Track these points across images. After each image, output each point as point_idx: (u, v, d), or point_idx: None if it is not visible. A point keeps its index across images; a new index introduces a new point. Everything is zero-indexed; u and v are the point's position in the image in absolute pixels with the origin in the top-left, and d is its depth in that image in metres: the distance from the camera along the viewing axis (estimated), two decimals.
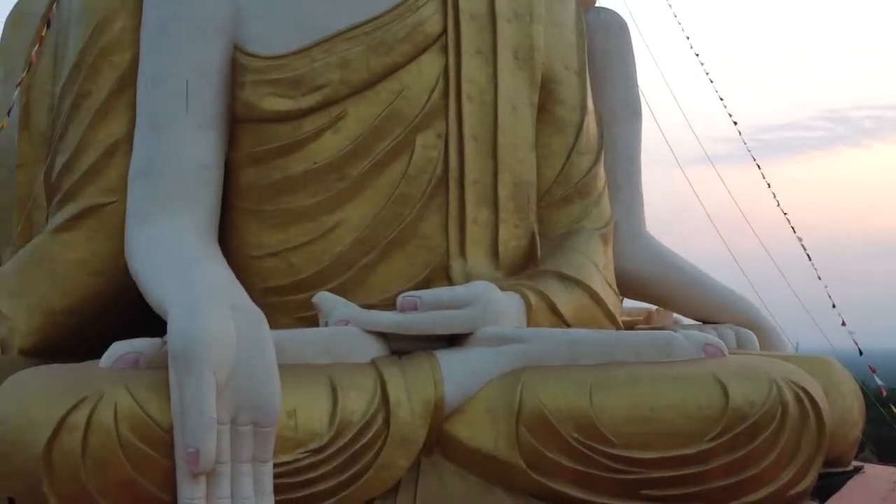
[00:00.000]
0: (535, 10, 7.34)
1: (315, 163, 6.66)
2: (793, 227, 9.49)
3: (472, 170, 6.90)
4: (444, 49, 6.92)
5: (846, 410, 6.42)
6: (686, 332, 6.18)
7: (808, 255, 9.51)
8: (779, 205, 9.51)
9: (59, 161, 6.91)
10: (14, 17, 8.07)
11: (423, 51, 6.89)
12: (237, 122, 6.81)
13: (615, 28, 8.76)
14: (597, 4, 9.37)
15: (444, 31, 6.94)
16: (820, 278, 9.55)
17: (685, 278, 8.81)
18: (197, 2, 6.76)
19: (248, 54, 6.73)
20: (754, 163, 9.67)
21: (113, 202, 6.74)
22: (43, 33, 7.21)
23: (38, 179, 7.22)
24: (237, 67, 6.75)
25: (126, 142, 6.78)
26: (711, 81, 9.58)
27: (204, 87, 6.67)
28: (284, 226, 6.70)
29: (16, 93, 7.22)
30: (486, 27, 7.06)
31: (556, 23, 7.56)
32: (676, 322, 9.56)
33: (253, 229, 6.79)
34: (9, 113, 7.11)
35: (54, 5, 7.13)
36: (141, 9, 6.90)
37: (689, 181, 9.27)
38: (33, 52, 7.21)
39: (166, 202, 6.46)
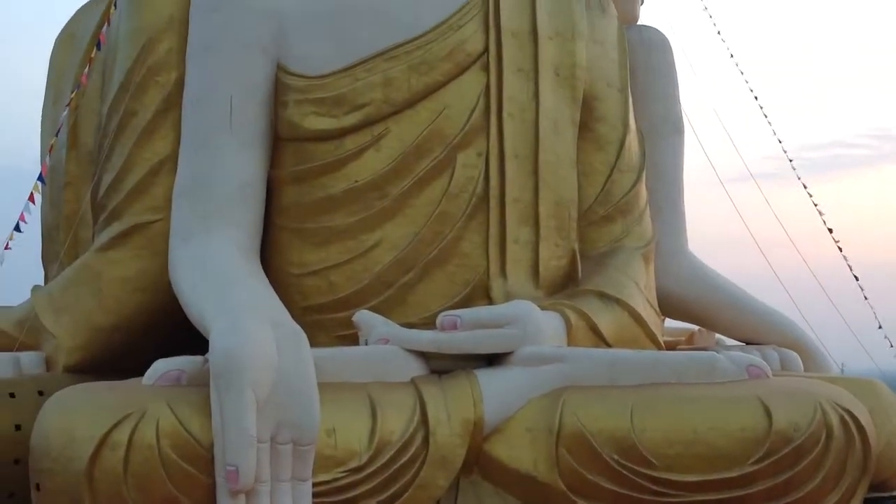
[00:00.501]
0: (577, 27, 7.32)
1: (356, 181, 6.70)
2: (839, 247, 9.35)
3: (513, 188, 6.89)
4: (486, 67, 6.94)
5: (892, 434, 6.31)
6: (729, 354, 6.11)
7: (854, 276, 9.37)
8: (825, 223, 9.39)
9: (106, 180, 7.02)
10: (63, 40, 8.21)
11: (465, 69, 6.91)
12: (280, 140, 6.87)
13: (657, 45, 8.72)
14: (639, 22, 9.32)
15: (486, 49, 6.96)
16: (866, 298, 9.40)
17: (728, 298, 8.72)
18: (241, 22, 6.84)
19: (291, 74, 6.80)
20: (799, 181, 9.55)
21: (158, 220, 6.83)
22: (92, 55, 7.33)
23: (85, 198, 7.33)
24: (280, 87, 6.82)
25: (171, 160, 6.87)
26: (756, 98, 9.50)
27: (248, 105, 6.75)
28: (325, 244, 6.73)
29: (64, 113, 7.34)
30: (528, 45, 7.07)
31: (598, 40, 7.53)
32: (719, 343, 9.45)
33: (294, 247, 6.83)
34: (57, 133, 7.23)
35: (104, 27, 7.24)
36: (187, 30, 7.00)
37: (732, 200, 9.18)
38: (83, 73, 7.32)
39: (210, 220, 6.53)
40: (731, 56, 9.51)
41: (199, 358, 5.20)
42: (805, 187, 9.56)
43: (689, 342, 9.97)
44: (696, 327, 9.73)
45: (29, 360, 6.72)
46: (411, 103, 6.76)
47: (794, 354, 8.32)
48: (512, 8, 7.07)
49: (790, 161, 9.75)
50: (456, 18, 6.95)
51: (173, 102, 6.93)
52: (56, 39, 8.28)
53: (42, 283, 7.90)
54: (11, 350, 6.75)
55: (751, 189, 9.57)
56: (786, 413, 5.38)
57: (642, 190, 7.67)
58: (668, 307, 8.27)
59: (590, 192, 7.37)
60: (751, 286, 8.91)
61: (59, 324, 6.79)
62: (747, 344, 8.66)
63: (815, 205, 9.50)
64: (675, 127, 8.83)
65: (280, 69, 6.83)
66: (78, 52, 7.77)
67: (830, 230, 9.36)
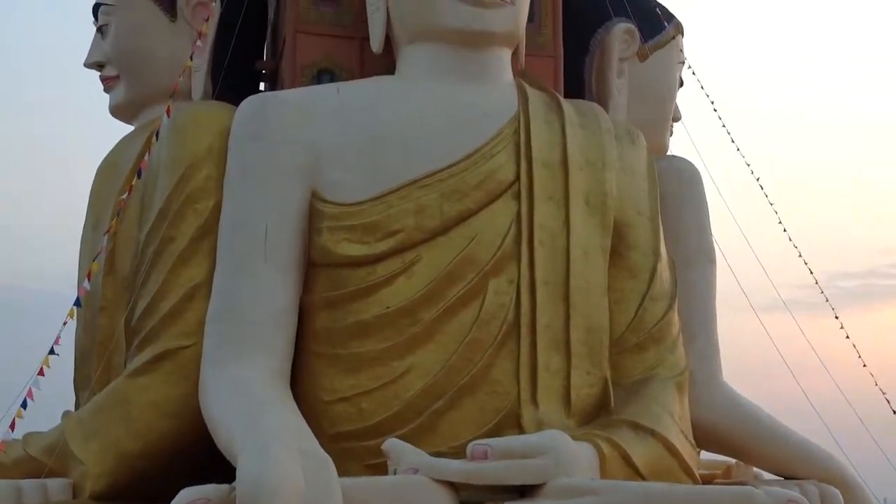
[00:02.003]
0: (608, 157, 7.44)
1: (388, 307, 6.72)
2: (875, 380, 9.17)
3: (544, 315, 6.88)
4: (517, 196, 7.03)
5: None
6: (767, 489, 5.93)
7: (893, 410, 9.15)
8: (859, 356, 9.24)
9: (141, 305, 7.10)
10: (105, 168, 8.43)
11: (496, 197, 7.01)
12: (312, 266, 6.94)
13: (687, 175, 8.80)
14: (669, 152, 9.45)
15: (517, 178, 7.07)
16: None
17: (765, 430, 8.52)
18: (278, 152, 7.01)
19: (325, 201, 6.92)
20: (832, 311, 9.45)
21: (190, 345, 6.86)
22: (133, 182, 7.52)
23: (119, 323, 7.39)
24: (315, 213, 6.93)
25: (205, 286, 6.94)
26: (785, 230, 9.49)
27: (283, 232, 6.85)
28: (356, 370, 6.71)
29: (104, 239, 7.47)
30: (559, 174, 7.17)
31: (628, 170, 7.64)
32: (756, 477, 9.18)
33: (325, 373, 6.81)
34: (96, 258, 7.35)
35: (145, 156, 7.45)
36: (225, 159, 7.19)
37: (766, 329, 9.08)
38: (122, 200, 7.49)
39: (241, 346, 6.56)
40: (762, 188, 9.55)
41: (225, 486, 5.13)
42: (837, 318, 9.45)
43: (726, 476, 9.69)
44: (732, 460, 9.49)
45: (55, 487, 6.66)
46: (443, 230, 6.84)
47: (835, 490, 8.06)
48: (543, 138, 7.21)
49: (822, 292, 9.66)
50: (488, 148, 7.10)
51: (209, 229, 7.06)
52: (98, 168, 8.51)
53: (73, 409, 7.89)
54: (40, 477, 6.70)
55: (784, 317, 9.48)
56: None
57: (675, 318, 7.62)
58: (703, 439, 8.09)
59: (621, 320, 7.34)
60: (786, 415, 8.72)
61: (88, 449, 6.75)
62: (786, 479, 8.41)
63: (847, 336, 9.37)
64: (706, 256, 8.80)
65: (315, 197, 6.96)
66: (118, 180, 7.97)
67: (864, 364, 9.20)
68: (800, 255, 9.54)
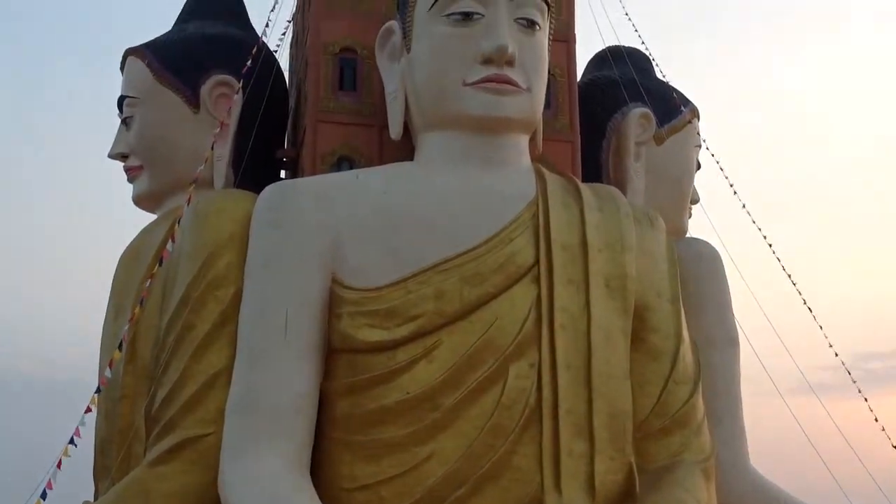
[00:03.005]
0: (627, 240, 7.44)
1: (408, 393, 6.68)
2: None
3: (566, 399, 6.80)
4: (537, 279, 7.02)
5: None
6: None
7: None
8: (889, 438, 9.05)
9: (161, 394, 7.08)
10: (127, 256, 8.50)
11: (516, 281, 7.00)
12: (333, 352, 6.93)
13: (707, 257, 8.76)
14: (688, 234, 9.44)
15: (537, 261, 7.07)
16: None
17: None
18: (299, 238, 7.06)
19: (345, 287, 6.94)
20: (860, 393, 9.31)
21: (209, 434, 6.82)
22: (154, 270, 7.57)
23: (139, 412, 7.37)
24: (335, 299, 6.95)
25: (225, 374, 6.93)
26: (810, 310, 9.40)
27: (303, 319, 6.86)
28: (377, 457, 6.64)
29: (125, 328, 7.50)
30: (578, 257, 7.17)
31: (648, 252, 7.63)
32: None
33: (346, 461, 6.74)
34: (119, 347, 7.37)
35: (168, 244, 7.52)
36: (246, 246, 7.24)
37: (793, 412, 8.93)
38: (144, 288, 7.54)
39: (261, 436, 6.51)
40: (784, 268, 9.50)
41: None
42: (866, 400, 9.29)
43: None
44: None
45: None
46: (463, 315, 6.82)
47: None
48: (562, 221, 7.23)
49: (849, 374, 9.53)
50: (507, 232, 7.12)
51: (230, 317, 7.07)
52: (120, 256, 8.58)
53: (93, 499, 7.81)
54: None
55: (811, 399, 9.33)
56: None
57: (699, 402, 7.52)
58: None
59: (645, 404, 7.24)
60: (815, 501, 8.51)
61: None
62: None
63: (876, 419, 9.20)
64: (729, 338, 8.72)
65: (335, 282, 6.98)
66: (141, 268, 8.03)
67: (894, 446, 9.01)
68: (825, 337, 9.43)
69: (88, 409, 7.25)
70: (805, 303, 9.51)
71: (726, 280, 8.94)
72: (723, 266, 8.99)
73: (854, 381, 9.45)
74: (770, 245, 9.54)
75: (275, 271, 7.01)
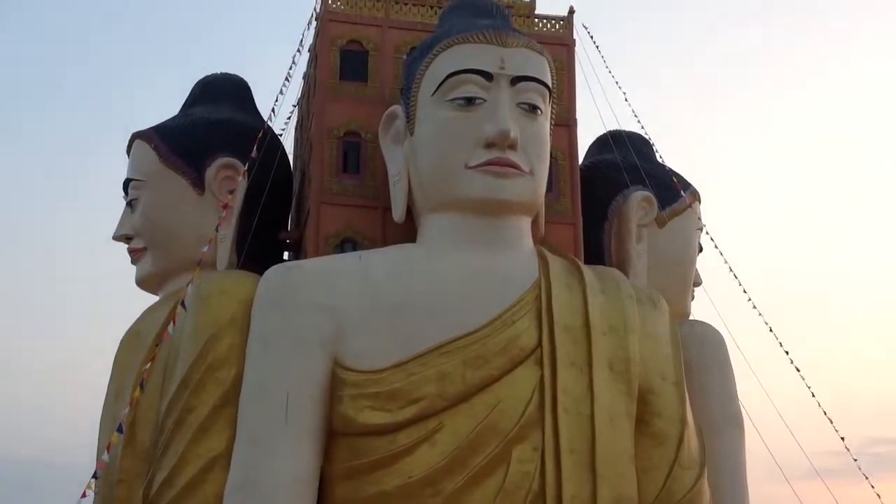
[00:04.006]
0: (630, 322, 7.42)
1: (410, 477, 6.60)
2: None
3: (571, 485, 6.71)
4: (539, 361, 6.99)
5: None
6: None
7: None
8: None
9: (159, 477, 7.00)
10: (129, 338, 8.47)
11: (519, 363, 6.97)
12: (333, 435, 6.86)
13: (711, 340, 8.72)
14: (691, 317, 9.40)
15: (539, 343, 7.05)
16: None
17: None
18: (300, 319, 7.05)
19: (347, 368, 6.90)
20: (867, 480, 9.17)
21: None
22: (155, 352, 7.54)
23: (137, 495, 7.26)
24: (336, 381, 6.90)
25: (225, 457, 6.87)
26: (813, 395, 9.32)
27: (304, 400, 6.81)
28: None
29: (125, 411, 7.43)
30: (581, 339, 7.15)
31: (651, 335, 7.60)
32: None
33: None
34: (119, 430, 7.29)
35: (169, 326, 7.50)
36: (248, 327, 7.23)
37: (800, 497, 8.78)
38: (145, 370, 7.50)
39: None
40: (787, 353, 9.44)
41: None
42: (873, 487, 9.15)
43: None
44: None
45: None
46: (466, 397, 6.78)
47: None
48: (564, 303, 7.23)
49: (855, 460, 9.39)
50: (510, 314, 7.11)
51: (230, 399, 7.03)
52: (122, 338, 8.54)
53: None
54: None
55: (818, 485, 9.17)
56: None
57: (704, 487, 7.41)
58: None
59: (650, 489, 7.14)
60: None
61: None
62: None
63: None
64: (734, 422, 8.61)
65: (336, 364, 6.95)
66: (142, 350, 7.99)
67: None
68: (831, 422, 9.32)
69: (84, 495, 7.15)
70: (810, 389, 9.40)
71: (730, 364, 8.87)
72: (727, 350, 8.93)
73: (860, 469, 9.32)
74: (771, 329, 9.46)
75: (276, 353, 6.99)
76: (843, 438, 9.33)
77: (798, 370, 9.47)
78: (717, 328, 8.99)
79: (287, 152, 9.45)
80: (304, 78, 9.94)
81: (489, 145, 7.46)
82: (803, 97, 29.39)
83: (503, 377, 6.90)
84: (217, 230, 8.13)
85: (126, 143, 8.99)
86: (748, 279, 9.62)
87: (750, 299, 9.57)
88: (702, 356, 8.58)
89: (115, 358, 8.52)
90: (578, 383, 6.99)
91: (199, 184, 8.54)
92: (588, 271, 7.72)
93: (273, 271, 7.43)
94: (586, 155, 9.82)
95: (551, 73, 7.95)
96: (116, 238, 8.90)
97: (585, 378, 7.02)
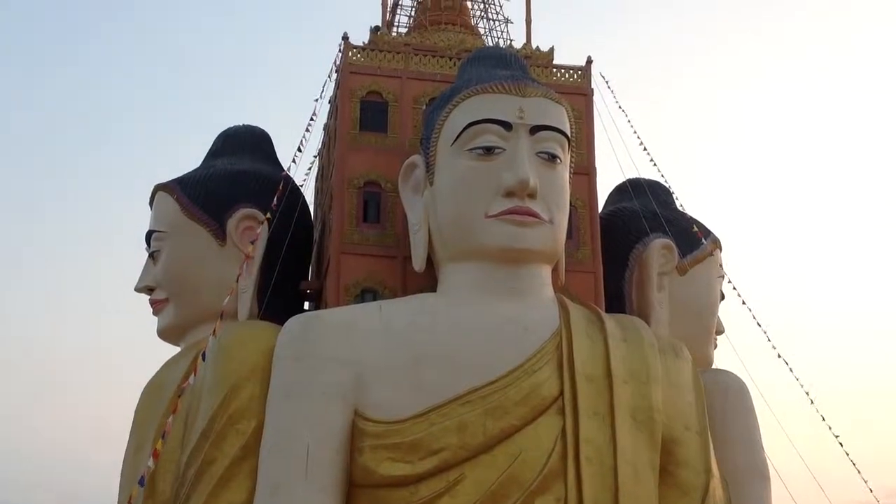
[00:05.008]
0: (652, 371, 7.36)
1: None
2: None
3: None
4: (561, 411, 6.93)
5: None
6: None
7: None
8: None
9: None
10: (150, 389, 8.47)
11: (540, 413, 6.91)
12: (353, 487, 6.80)
13: (734, 389, 8.61)
14: (714, 365, 9.31)
15: (561, 393, 6.99)
16: None
17: None
18: (322, 371, 7.03)
19: (367, 419, 6.87)
20: None
21: None
22: (177, 404, 7.53)
23: None
24: (356, 432, 6.86)
25: None
26: (841, 445, 9.17)
27: (324, 452, 6.77)
28: None
29: (148, 463, 7.40)
30: (603, 389, 7.09)
31: (674, 384, 7.52)
32: None
33: None
34: (141, 482, 7.25)
35: (190, 377, 7.50)
36: (269, 378, 7.21)
37: None
38: (166, 422, 7.48)
39: None
40: (812, 402, 9.32)
41: None
42: None
43: None
44: None
45: None
46: (487, 448, 6.71)
47: None
48: (586, 352, 7.18)
49: None
50: (531, 363, 7.07)
51: (251, 450, 7.00)
52: (143, 389, 8.54)
53: None
54: None
55: None
56: None
57: None
58: None
59: None
60: None
61: None
62: None
63: None
64: (759, 473, 8.47)
65: (357, 415, 6.92)
66: (163, 402, 7.98)
67: None
68: (859, 472, 9.16)
69: None
70: (838, 439, 9.26)
71: (755, 413, 8.75)
72: (751, 399, 8.81)
73: None
74: (797, 378, 9.35)
75: (296, 404, 6.96)
76: (871, 490, 9.17)
77: (824, 419, 9.34)
78: (740, 376, 8.90)
79: (308, 203, 9.51)
80: (324, 129, 10.03)
81: (509, 194, 7.48)
82: (824, 145, 29.36)
83: (525, 427, 6.84)
84: (238, 281, 8.17)
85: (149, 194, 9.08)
86: (771, 326, 9.55)
87: (775, 347, 9.49)
88: (725, 405, 8.48)
89: (136, 410, 8.51)
90: (601, 433, 6.91)
91: (220, 235, 8.59)
92: (609, 320, 7.68)
93: (294, 322, 7.44)
94: (606, 203, 9.83)
95: (570, 121, 7.99)
96: (138, 289, 8.94)
97: (608, 428, 6.95)
